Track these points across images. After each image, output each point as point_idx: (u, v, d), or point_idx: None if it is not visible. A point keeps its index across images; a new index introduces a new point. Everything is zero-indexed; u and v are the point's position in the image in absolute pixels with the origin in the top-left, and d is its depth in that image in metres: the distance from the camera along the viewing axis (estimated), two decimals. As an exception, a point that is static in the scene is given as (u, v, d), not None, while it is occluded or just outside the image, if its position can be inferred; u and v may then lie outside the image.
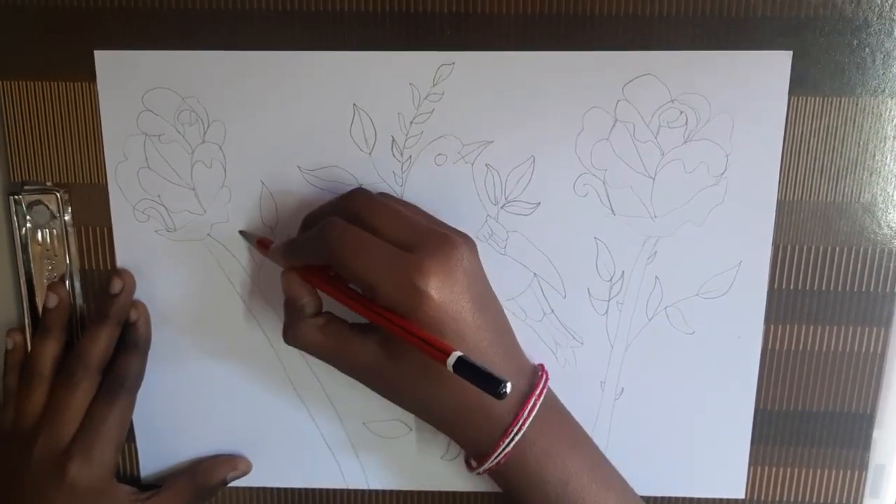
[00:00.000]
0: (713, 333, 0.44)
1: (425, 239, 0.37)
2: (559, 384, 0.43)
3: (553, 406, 0.41)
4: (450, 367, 0.34)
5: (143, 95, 0.42)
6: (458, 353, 0.34)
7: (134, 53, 0.41)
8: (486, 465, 0.39)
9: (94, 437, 0.42)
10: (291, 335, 0.40)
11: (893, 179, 0.42)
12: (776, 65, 0.40)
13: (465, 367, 0.33)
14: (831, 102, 0.41)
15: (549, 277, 0.43)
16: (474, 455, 0.40)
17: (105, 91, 0.42)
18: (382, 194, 0.42)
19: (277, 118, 0.42)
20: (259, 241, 0.42)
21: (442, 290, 0.36)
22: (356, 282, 0.37)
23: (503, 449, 0.38)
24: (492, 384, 0.33)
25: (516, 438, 0.38)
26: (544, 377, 0.40)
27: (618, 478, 0.42)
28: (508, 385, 0.32)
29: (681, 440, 0.45)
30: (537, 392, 0.39)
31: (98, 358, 0.43)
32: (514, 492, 0.40)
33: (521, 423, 0.38)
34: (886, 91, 0.41)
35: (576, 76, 0.40)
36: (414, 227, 0.38)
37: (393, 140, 0.42)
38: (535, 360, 0.43)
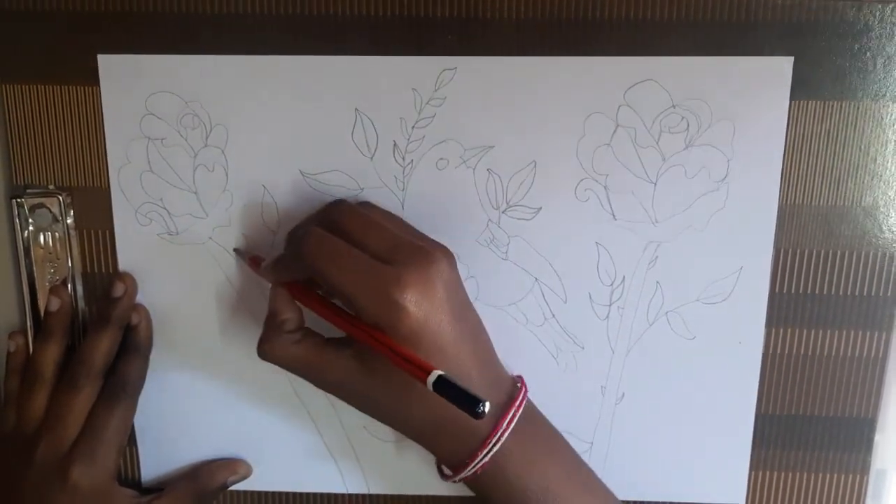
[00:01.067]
0: (714, 339, 0.44)
1: (404, 252, 0.37)
2: (560, 389, 0.43)
3: (531, 416, 0.41)
4: (430, 386, 0.34)
5: (146, 99, 0.42)
6: (438, 372, 0.34)
7: (137, 57, 0.41)
8: (462, 475, 0.39)
9: (96, 441, 0.42)
10: (266, 349, 0.40)
11: (895, 183, 0.42)
12: (777, 70, 0.40)
13: (445, 386, 0.34)
14: (832, 106, 0.41)
15: (551, 282, 0.43)
16: (450, 465, 0.40)
17: (108, 95, 0.42)
18: (365, 204, 0.42)
19: (279, 122, 0.42)
20: (251, 259, 0.43)
21: (420, 304, 0.36)
22: (336, 293, 0.37)
23: (479, 460, 0.38)
24: (470, 403, 0.33)
25: (494, 450, 0.38)
26: (523, 390, 0.40)
27: (598, 483, 0.42)
28: (486, 405, 0.33)
29: (681, 445, 0.45)
30: (516, 405, 0.39)
31: (101, 362, 0.43)
32: (493, 501, 0.40)
33: (498, 434, 0.38)
34: (887, 95, 0.41)
35: (577, 81, 0.40)
36: (393, 239, 0.38)
37: (395, 144, 0.42)
38: (536, 366, 0.43)
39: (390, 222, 0.40)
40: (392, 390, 0.38)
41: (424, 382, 0.34)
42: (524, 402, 0.40)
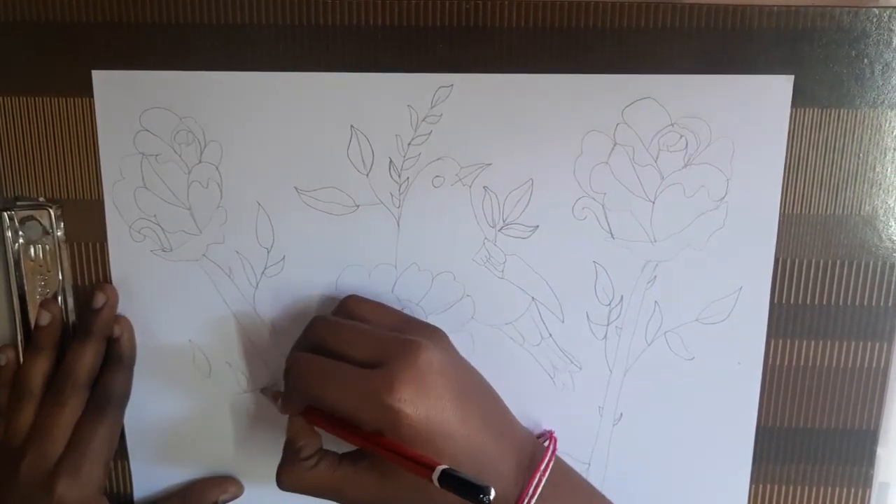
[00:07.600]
0: (713, 359, 0.43)
1: (389, 350, 0.37)
2: (557, 409, 0.43)
3: (563, 475, 0.40)
4: (436, 483, 0.34)
5: (140, 115, 0.41)
6: (441, 467, 0.34)
7: (131, 73, 0.41)
8: None
9: (82, 455, 0.42)
10: (284, 480, 0.40)
11: (894, 191, 0.41)
12: (777, 89, 0.40)
13: (451, 480, 0.33)
14: (830, 114, 0.40)
15: (548, 301, 0.43)
16: None
17: (102, 110, 0.41)
18: (349, 300, 0.41)
19: (274, 139, 0.41)
20: (274, 395, 0.43)
21: (415, 401, 0.35)
22: (334, 412, 0.37)
23: None
24: (475, 493, 0.33)
25: None
26: (550, 450, 0.39)
27: None
28: (492, 492, 0.32)
29: (680, 467, 0.45)
30: (542, 468, 0.38)
31: (85, 374, 0.42)
32: None
33: (525, 501, 0.37)
34: (886, 102, 0.40)
35: (575, 99, 0.40)
36: (376, 340, 0.37)
37: (390, 162, 0.41)
38: (533, 386, 0.43)
39: (375, 315, 0.40)
40: (409, 493, 0.37)
41: (431, 480, 0.34)
42: (551, 463, 0.39)
